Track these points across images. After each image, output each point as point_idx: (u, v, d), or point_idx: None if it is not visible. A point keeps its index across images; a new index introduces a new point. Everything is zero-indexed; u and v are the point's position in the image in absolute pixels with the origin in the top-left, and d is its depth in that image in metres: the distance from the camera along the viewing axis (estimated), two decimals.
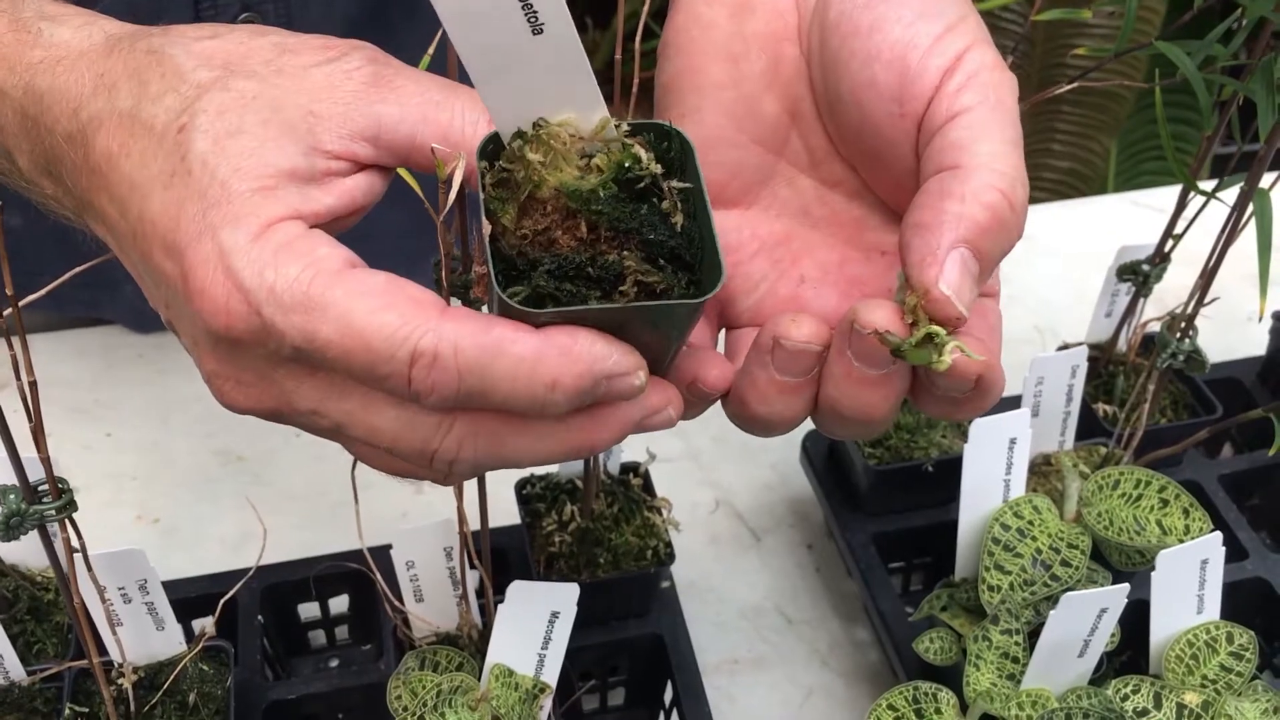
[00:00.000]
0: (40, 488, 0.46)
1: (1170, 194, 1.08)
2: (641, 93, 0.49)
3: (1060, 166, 1.87)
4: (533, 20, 0.35)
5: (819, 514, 0.78)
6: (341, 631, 0.70)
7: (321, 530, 0.75)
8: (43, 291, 0.44)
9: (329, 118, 0.39)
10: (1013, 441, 0.61)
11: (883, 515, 0.72)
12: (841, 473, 0.74)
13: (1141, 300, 0.74)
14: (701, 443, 0.84)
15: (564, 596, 0.52)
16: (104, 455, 0.80)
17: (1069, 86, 0.61)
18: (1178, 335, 0.65)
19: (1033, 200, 0.45)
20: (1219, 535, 0.58)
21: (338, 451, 0.43)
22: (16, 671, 0.56)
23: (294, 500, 0.77)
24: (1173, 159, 0.63)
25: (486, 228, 0.37)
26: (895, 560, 0.74)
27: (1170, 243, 0.70)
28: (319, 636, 0.70)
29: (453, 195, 0.37)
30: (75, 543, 0.48)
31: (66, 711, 0.55)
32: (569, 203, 0.36)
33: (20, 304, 0.41)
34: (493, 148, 0.38)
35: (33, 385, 0.42)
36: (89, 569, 0.50)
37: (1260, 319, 0.60)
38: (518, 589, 0.52)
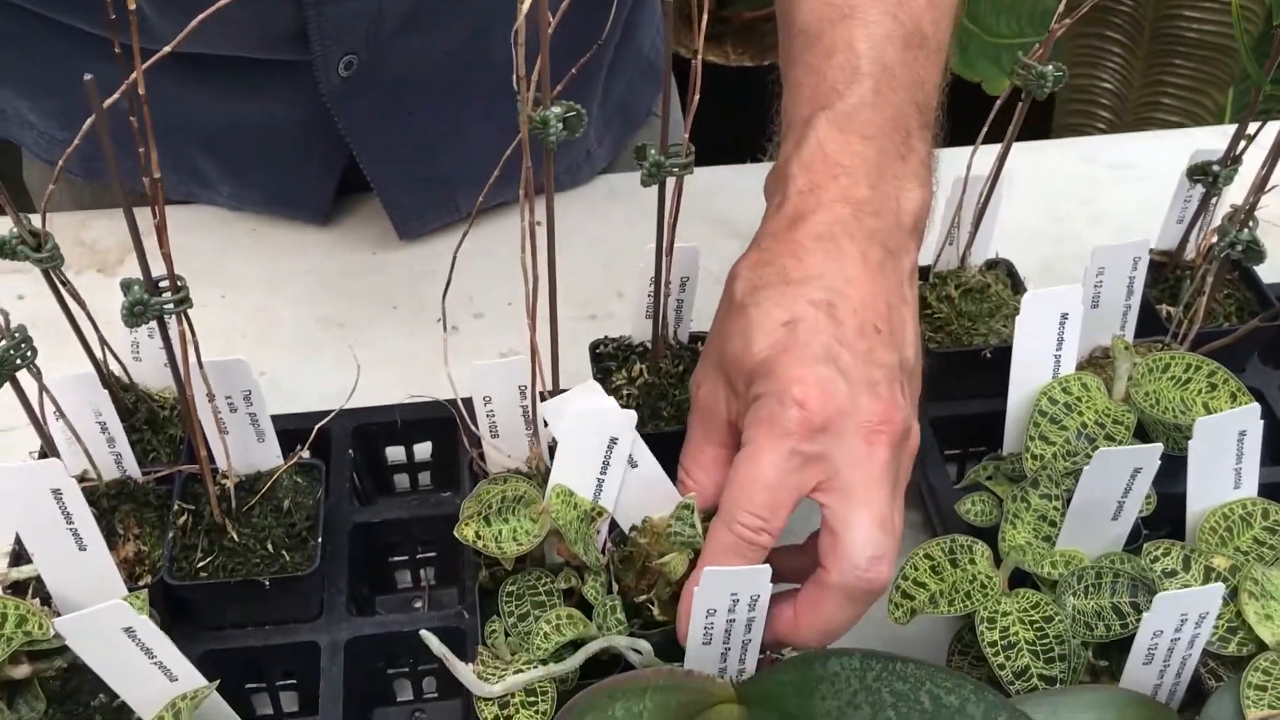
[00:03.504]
0: (161, 283, 0.52)
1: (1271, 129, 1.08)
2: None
3: (1170, 121, 1.85)
4: (632, 462, 0.59)
5: None
6: (424, 478, 0.76)
7: (414, 389, 0.80)
8: None
9: None
10: (1064, 316, 0.64)
11: (940, 400, 0.75)
12: None
13: (1213, 203, 0.75)
14: None
15: (622, 421, 0.57)
16: (218, 313, 0.87)
17: None
18: (1237, 227, 0.66)
19: None
20: (1257, 407, 0.59)
21: (431, 324, 0.48)
22: (134, 471, 0.63)
23: (388, 363, 0.83)
24: (1246, 57, 0.64)
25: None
26: (951, 447, 0.76)
27: (1242, 144, 0.71)
28: (403, 480, 0.76)
29: None
30: (189, 338, 0.54)
31: (176, 506, 0.61)
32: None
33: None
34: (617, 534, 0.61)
35: (157, 180, 0.48)
36: (200, 366, 0.56)
37: None
38: (578, 413, 0.56)
